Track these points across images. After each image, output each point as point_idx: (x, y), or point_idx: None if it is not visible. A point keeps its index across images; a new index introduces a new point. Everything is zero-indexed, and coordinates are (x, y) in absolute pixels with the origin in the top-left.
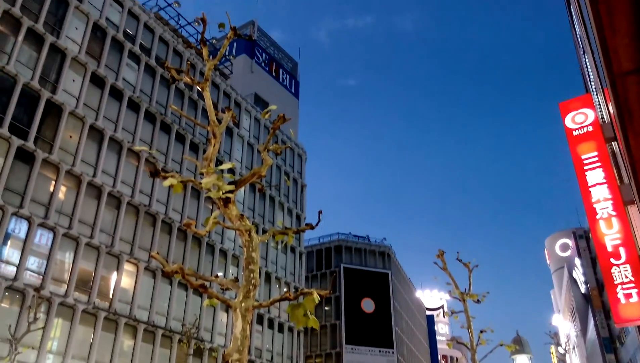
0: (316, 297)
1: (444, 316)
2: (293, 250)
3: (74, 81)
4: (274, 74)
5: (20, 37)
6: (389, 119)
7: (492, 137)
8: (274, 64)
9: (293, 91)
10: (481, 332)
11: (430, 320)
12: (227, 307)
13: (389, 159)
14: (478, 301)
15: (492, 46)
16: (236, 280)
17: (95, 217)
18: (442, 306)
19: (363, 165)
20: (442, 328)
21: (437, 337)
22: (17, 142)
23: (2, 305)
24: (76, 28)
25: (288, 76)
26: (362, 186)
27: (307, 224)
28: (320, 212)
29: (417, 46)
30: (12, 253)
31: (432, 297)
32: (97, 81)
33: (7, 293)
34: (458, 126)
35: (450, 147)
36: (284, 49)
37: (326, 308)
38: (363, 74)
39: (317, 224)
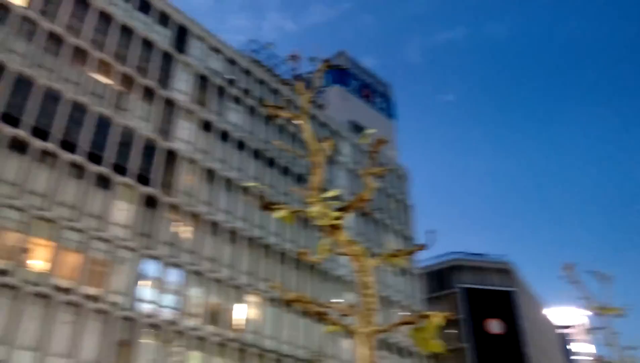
0: (439, 320)
1: (585, 334)
2: (407, 272)
3: (185, 128)
4: (367, 99)
5: (136, 94)
6: (492, 130)
7: (605, 144)
8: (367, 89)
9: (388, 113)
10: (628, 348)
11: (563, 339)
12: (349, 334)
13: (498, 173)
14: (619, 315)
15: (589, 42)
16: (354, 305)
17: (217, 252)
18: (574, 325)
19: (469, 180)
20: (584, 347)
21: (578, 357)
22: (141, 189)
23: (143, 340)
24: (182, 80)
25: (382, 100)
26: (472, 201)
27: (418, 245)
28: (431, 232)
29: (513, 51)
30: (148, 291)
31: (562, 313)
32: (205, 125)
33: (147, 330)
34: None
35: (557, 155)
36: (377, 73)
37: (450, 331)
38: (461, 88)
39: (429, 245)
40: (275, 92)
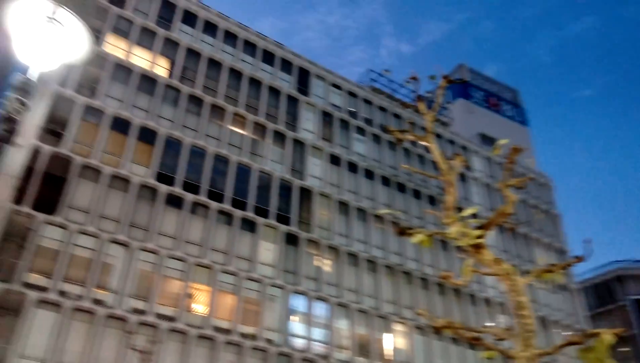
0: (610, 337)
1: None
2: (565, 287)
3: (315, 165)
4: (495, 108)
5: (268, 139)
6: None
7: None
8: (493, 98)
9: (519, 119)
10: None
11: None
12: (507, 359)
13: None
14: None
15: None
16: (510, 328)
17: (358, 283)
18: None
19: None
20: None
21: None
22: (282, 228)
23: None
24: (308, 119)
25: (510, 107)
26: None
27: (575, 257)
28: (587, 241)
29: None
30: (298, 326)
31: None
32: (333, 159)
33: None
34: None
35: None
36: (503, 80)
37: (623, 349)
38: (599, 80)
39: (587, 256)
40: (397, 116)
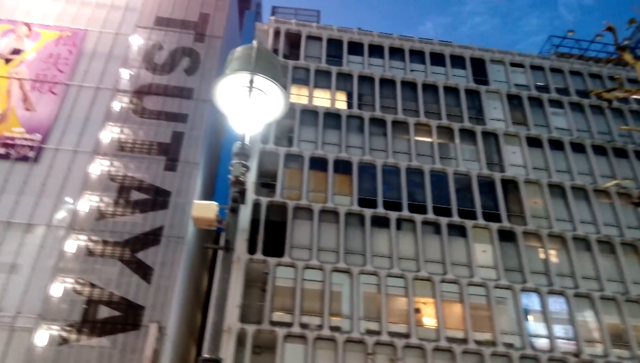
0: None
1: None
2: None
3: (513, 153)
4: None
5: (457, 140)
6: None
7: None
8: None
9: None
10: None
11: None
12: None
13: None
14: None
15: None
16: None
17: (591, 268)
18: None
19: None
20: None
21: None
22: (494, 226)
23: None
24: (494, 108)
25: None
26: None
27: None
28: None
29: None
30: (535, 326)
31: None
32: (532, 142)
33: None
34: None
35: None
36: None
37: None
38: None
39: None
40: (596, 77)
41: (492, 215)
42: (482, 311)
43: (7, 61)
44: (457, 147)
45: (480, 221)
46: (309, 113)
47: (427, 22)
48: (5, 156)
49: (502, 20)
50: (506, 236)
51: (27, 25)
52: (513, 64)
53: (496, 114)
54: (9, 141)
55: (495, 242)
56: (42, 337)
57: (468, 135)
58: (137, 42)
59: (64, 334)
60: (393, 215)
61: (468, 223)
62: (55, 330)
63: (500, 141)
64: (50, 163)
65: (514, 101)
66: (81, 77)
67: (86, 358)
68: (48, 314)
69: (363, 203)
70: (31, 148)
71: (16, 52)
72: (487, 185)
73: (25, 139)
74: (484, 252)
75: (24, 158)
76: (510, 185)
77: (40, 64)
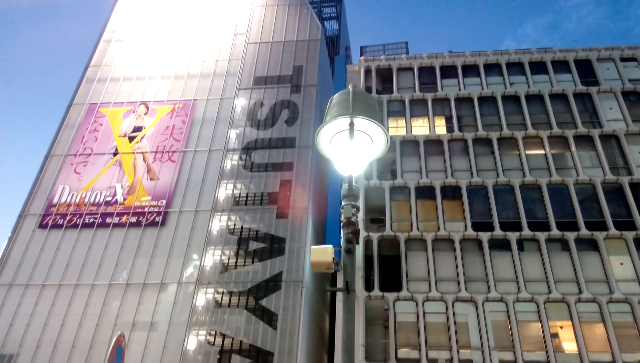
0: None
1: None
2: None
3: (639, 153)
4: None
5: (574, 148)
6: None
7: None
8: None
9: None
10: None
11: None
12: None
13: None
14: None
15: None
16: None
17: None
18: None
19: None
20: None
21: None
22: (629, 235)
23: None
24: (610, 108)
25: None
26: None
27: None
28: None
29: None
30: None
31: None
32: None
33: None
34: None
35: None
36: None
37: None
38: None
39: None
40: None
41: (625, 223)
42: (629, 329)
43: (131, 139)
44: (575, 155)
45: (613, 231)
46: (409, 143)
47: (527, 24)
48: (137, 224)
49: (611, 8)
50: None
51: (145, 104)
52: (623, 59)
53: (613, 115)
54: (139, 210)
55: (633, 252)
56: None
57: (585, 141)
58: (240, 103)
59: None
60: (513, 236)
61: (599, 235)
62: None
63: (623, 143)
64: (176, 225)
65: (630, 97)
66: (194, 142)
67: None
68: None
69: (478, 226)
70: (158, 213)
71: (137, 129)
72: (614, 192)
73: (152, 206)
74: (621, 265)
75: (153, 223)
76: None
77: (158, 137)
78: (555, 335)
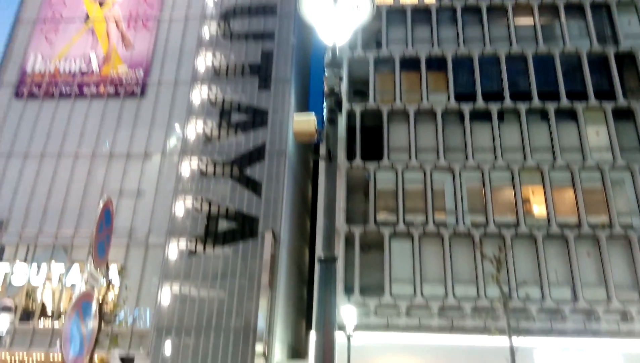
0: None
1: None
2: None
3: (628, 23)
4: None
5: (562, 17)
6: None
7: None
8: None
9: None
10: None
11: None
12: None
13: None
14: None
15: None
16: None
17: None
18: None
19: None
20: None
21: None
22: (608, 106)
23: None
24: None
25: None
26: None
27: None
28: None
29: None
30: None
31: None
32: None
33: None
34: None
35: None
36: None
37: None
38: None
39: None
40: None
41: (605, 93)
42: (597, 195)
43: (101, 4)
44: (563, 25)
45: (593, 101)
46: (396, 12)
47: None
48: (116, 95)
49: None
50: (622, 115)
51: None
52: None
53: None
54: (117, 81)
55: (610, 122)
56: (173, 250)
57: (575, 10)
58: None
59: (192, 247)
60: (494, 107)
61: (578, 106)
62: (183, 244)
63: (613, 11)
64: (155, 96)
65: None
66: (170, 8)
67: (214, 265)
68: (175, 231)
69: (461, 98)
70: (136, 83)
71: None
72: (599, 63)
73: (130, 77)
74: (597, 135)
75: (132, 94)
76: (627, 60)
77: (130, 3)
78: (526, 200)
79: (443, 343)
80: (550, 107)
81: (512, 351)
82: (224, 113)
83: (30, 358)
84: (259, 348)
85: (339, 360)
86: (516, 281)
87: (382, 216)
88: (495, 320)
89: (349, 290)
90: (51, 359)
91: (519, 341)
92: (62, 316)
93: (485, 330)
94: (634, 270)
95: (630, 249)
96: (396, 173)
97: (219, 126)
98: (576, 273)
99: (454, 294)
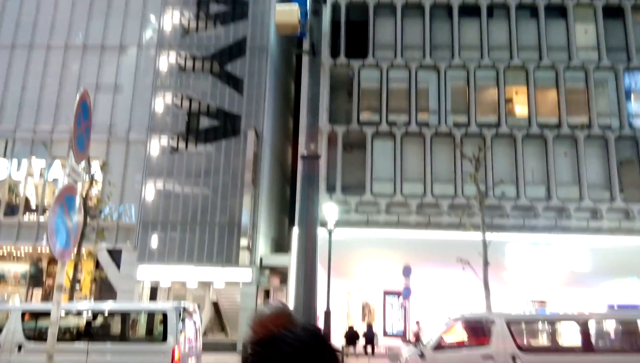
0: None
1: None
2: None
3: None
4: None
5: None
6: None
7: None
8: None
9: None
10: None
11: None
12: None
13: None
14: None
15: None
16: None
17: None
18: None
19: None
20: None
21: None
22: (599, 3)
23: None
24: None
25: None
26: None
27: None
28: None
29: None
30: (638, 106)
31: None
32: None
33: None
34: None
35: None
36: None
37: None
38: None
39: None
40: None
41: None
42: (580, 95)
43: None
44: None
45: None
46: None
47: None
48: None
49: None
50: (612, 12)
51: None
52: None
53: None
54: None
55: (599, 20)
56: (155, 147)
57: None
58: None
59: (174, 144)
60: (484, 1)
61: (569, 2)
62: (165, 141)
63: None
64: None
65: None
66: None
67: (197, 163)
68: (156, 127)
69: None
70: None
71: None
72: None
73: None
74: (585, 33)
75: None
76: None
77: None
78: (509, 100)
79: (420, 237)
80: (541, 2)
81: (485, 244)
82: (201, 3)
83: (19, 251)
84: (244, 242)
85: (320, 253)
86: (493, 180)
87: (365, 115)
88: (471, 216)
89: (331, 189)
90: (39, 251)
91: (492, 236)
92: (47, 211)
93: (460, 226)
94: (608, 170)
95: (607, 150)
96: (381, 72)
97: (197, 17)
98: (552, 173)
99: (432, 192)
